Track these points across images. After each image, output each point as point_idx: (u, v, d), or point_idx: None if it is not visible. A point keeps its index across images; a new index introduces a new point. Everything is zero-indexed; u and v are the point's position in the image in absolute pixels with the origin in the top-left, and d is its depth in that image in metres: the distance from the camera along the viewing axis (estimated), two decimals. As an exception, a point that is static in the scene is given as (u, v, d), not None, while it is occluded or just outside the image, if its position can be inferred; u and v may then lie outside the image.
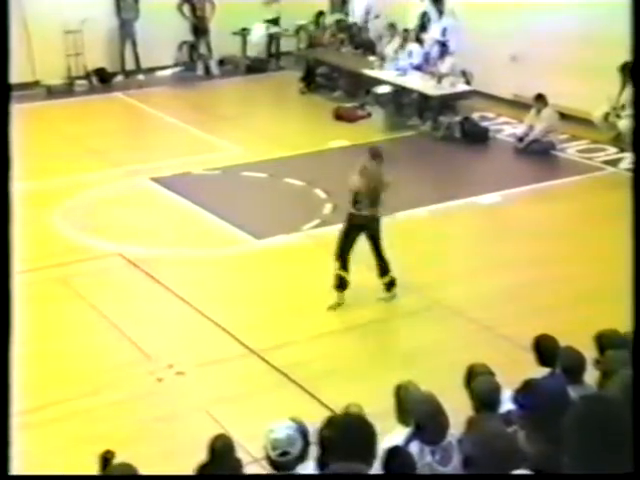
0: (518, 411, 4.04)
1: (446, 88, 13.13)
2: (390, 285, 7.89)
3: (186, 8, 16.26)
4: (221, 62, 16.80)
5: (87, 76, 15.69)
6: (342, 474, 3.10)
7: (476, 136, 12.77)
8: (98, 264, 8.86)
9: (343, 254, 7.75)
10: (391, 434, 4.40)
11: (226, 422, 5.98)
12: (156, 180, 11.01)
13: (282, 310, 7.85)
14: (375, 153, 7.78)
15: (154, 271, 8.56)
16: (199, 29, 16.34)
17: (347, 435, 3.41)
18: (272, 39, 17.07)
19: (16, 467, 5.79)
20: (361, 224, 7.69)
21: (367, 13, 16.09)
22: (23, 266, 8.63)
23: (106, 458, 4.21)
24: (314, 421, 4.26)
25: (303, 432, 4.13)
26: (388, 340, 7.40)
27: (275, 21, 16.92)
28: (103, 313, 7.81)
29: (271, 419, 4.26)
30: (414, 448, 4.15)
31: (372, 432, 3.45)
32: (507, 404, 4.33)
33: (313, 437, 4.16)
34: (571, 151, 12.16)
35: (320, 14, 16.65)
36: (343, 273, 7.76)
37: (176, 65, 16.63)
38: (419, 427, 4.22)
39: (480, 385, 4.53)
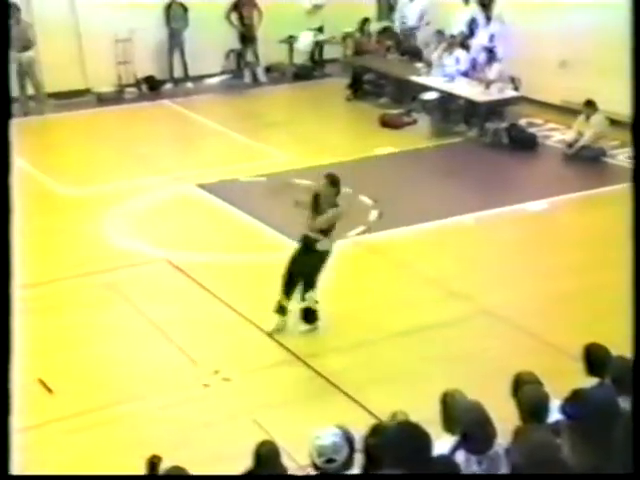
0: (566, 421, 3.99)
1: (493, 94, 13.04)
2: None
3: (234, 17, 16.37)
4: (268, 70, 16.90)
5: (137, 84, 15.90)
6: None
7: (524, 142, 12.65)
8: (145, 270, 8.95)
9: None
10: (437, 443, 4.36)
11: (272, 428, 5.99)
12: (202, 187, 11.10)
13: (327, 316, 7.84)
14: (334, 180, 7.48)
15: (200, 277, 8.62)
16: (246, 37, 16.44)
17: (400, 443, 3.38)
18: (318, 46, 17.14)
19: (64, 469, 5.86)
20: None
21: (420, 18, 16.01)
22: (72, 272, 8.77)
23: (153, 463, 4.25)
24: (359, 428, 4.24)
25: (349, 439, 4.13)
26: (434, 347, 7.34)
27: (320, 29, 16.99)
28: (150, 318, 7.88)
29: (317, 426, 4.25)
30: (460, 457, 4.11)
31: (427, 440, 3.41)
32: (555, 414, 4.27)
33: (358, 444, 4.14)
34: (622, 157, 11.94)
35: (365, 21, 16.65)
36: None
37: (224, 73, 16.75)
38: (465, 436, 4.17)
39: (527, 394, 4.46)
